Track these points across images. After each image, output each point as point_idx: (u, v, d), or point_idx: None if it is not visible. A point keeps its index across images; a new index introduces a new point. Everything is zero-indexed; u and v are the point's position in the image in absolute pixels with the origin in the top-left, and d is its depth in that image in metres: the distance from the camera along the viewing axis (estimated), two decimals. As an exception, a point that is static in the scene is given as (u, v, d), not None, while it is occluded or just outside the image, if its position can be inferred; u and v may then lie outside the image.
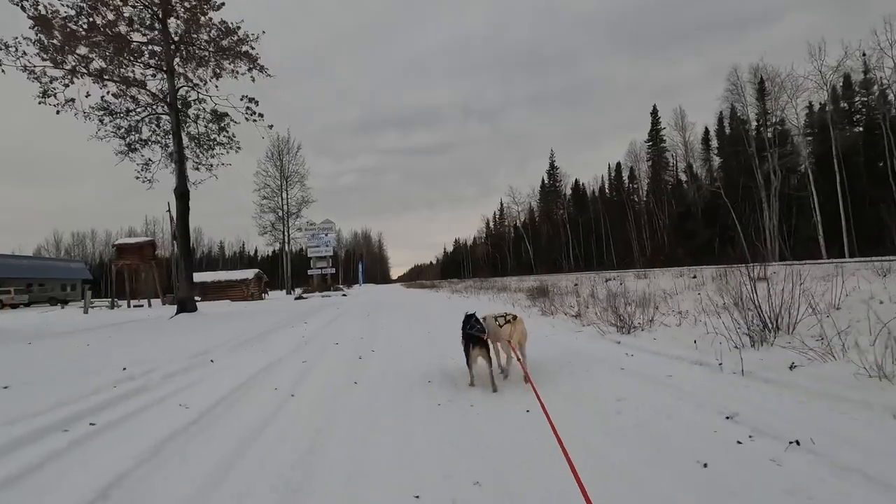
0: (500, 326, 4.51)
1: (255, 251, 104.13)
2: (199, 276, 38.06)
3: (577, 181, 66.71)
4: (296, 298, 31.14)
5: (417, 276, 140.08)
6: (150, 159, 15.37)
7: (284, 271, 47.60)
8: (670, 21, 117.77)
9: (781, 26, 67.65)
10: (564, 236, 64.25)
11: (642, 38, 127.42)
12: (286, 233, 46.16)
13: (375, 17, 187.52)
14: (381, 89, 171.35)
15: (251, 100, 16.77)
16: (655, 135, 48.43)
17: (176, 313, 13.88)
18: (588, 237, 60.97)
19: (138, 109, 14.74)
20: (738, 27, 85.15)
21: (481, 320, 4.40)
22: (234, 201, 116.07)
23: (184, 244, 14.22)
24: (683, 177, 44.66)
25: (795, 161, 31.76)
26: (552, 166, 69.23)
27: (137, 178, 15.39)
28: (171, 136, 14.77)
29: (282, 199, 46.82)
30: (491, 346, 4.46)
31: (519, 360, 4.33)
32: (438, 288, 42.96)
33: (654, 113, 48.66)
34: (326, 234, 33.37)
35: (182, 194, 14.27)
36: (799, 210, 31.41)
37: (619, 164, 58.86)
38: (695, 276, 13.13)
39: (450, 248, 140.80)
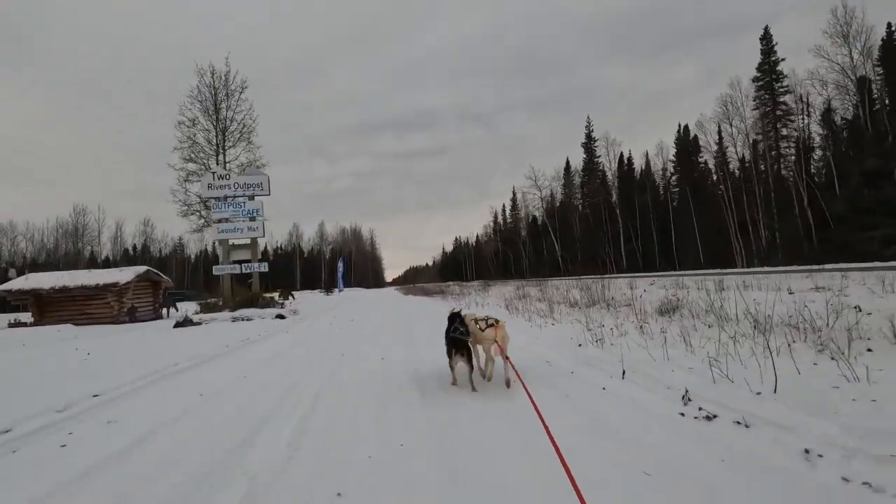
0: (482, 330, 4.51)
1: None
2: (32, 281, 20.95)
3: (622, 155, 50.22)
4: (176, 325, 14.37)
5: (414, 279, 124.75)
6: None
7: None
8: (667, 25, 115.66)
9: (777, 28, 61.97)
10: (611, 226, 47.77)
11: (638, 42, 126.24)
12: (222, 213, 29.11)
13: (374, 21, 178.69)
14: (378, 92, 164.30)
15: None
16: (771, 69, 32.09)
17: None
18: (646, 226, 44.56)
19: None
20: (735, 30, 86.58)
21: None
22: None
23: None
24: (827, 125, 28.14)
25: None
26: (588, 137, 52.74)
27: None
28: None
29: (217, 162, 29.76)
30: (473, 350, 4.57)
31: (507, 358, 4.28)
32: (450, 294, 26.28)
33: (766, 37, 32.35)
34: (253, 197, 16.53)
35: None
36: None
37: (686, 127, 42.72)
38: None
39: (449, 248, 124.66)
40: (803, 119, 30.55)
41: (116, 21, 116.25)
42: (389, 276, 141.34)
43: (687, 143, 41.85)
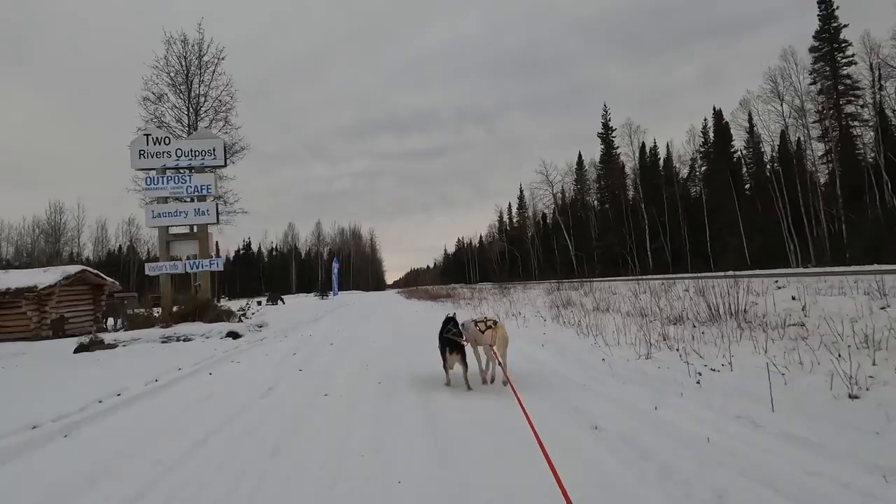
0: (482, 332, 4.33)
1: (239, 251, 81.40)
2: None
3: (644, 145, 45.50)
4: (79, 348, 9.85)
5: (415, 281, 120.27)
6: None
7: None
8: (664, 26, 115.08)
9: (773, 31, 67.02)
10: (634, 222, 43.08)
11: (636, 42, 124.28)
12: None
13: (371, 21, 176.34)
14: (376, 93, 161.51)
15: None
16: (832, 37, 27.49)
17: None
18: (673, 221, 39.90)
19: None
20: (732, 31, 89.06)
21: (461, 325, 4.48)
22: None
23: None
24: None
25: None
26: (606, 127, 48.12)
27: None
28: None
29: (189, 146, 25.06)
30: (472, 350, 4.63)
31: (500, 364, 4.22)
32: (461, 298, 21.53)
33: (825, 0, 27.75)
34: (203, 169, 11.82)
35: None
36: None
37: (720, 112, 38.10)
38: None
39: (450, 249, 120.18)
40: (875, 93, 25.89)
41: (116, 22, 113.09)
42: (390, 278, 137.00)
43: (722, 129, 37.25)
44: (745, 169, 36.49)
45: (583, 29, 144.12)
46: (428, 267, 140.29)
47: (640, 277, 20.86)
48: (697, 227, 37.61)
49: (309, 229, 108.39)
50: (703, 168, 39.88)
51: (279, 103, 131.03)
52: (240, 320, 11.76)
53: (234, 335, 10.48)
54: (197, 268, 12.06)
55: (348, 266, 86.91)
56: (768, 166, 30.80)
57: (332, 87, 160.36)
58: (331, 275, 48.43)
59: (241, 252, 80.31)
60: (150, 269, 12.03)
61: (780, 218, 29.44)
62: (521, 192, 72.85)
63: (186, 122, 25.07)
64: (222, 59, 25.73)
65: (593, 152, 55.70)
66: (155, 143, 12.03)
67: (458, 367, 4.39)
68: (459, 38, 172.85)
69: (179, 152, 12.16)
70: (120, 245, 70.35)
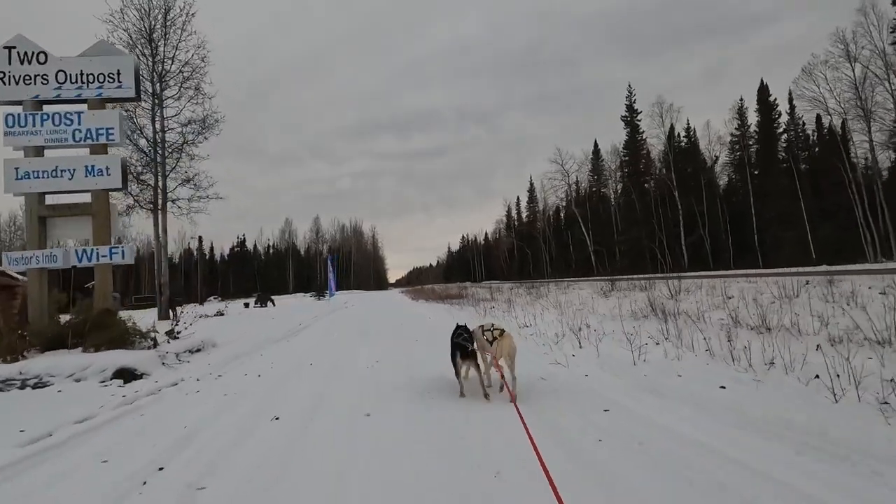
0: (490, 342, 4.04)
1: (211, 250, 76.91)
2: None
3: (672, 129, 40.53)
4: None
5: (417, 279, 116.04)
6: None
7: (157, 267, 22.04)
8: (665, 25, 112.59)
9: (773, 31, 64.15)
10: (664, 213, 38.40)
11: (637, 41, 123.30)
12: (160, 191, 20.42)
13: (372, 21, 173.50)
14: (377, 93, 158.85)
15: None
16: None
17: None
18: (713, 211, 35.24)
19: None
20: (732, 30, 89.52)
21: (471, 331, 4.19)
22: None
23: None
24: None
25: None
26: (631, 109, 43.30)
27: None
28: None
29: (153, 119, 20.80)
30: (480, 357, 4.20)
31: (502, 376, 3.94)
32: (481, 300, 16.90)
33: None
34: (102, 103, 7.46)
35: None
36: None
37: (766, 87, 33.35)
38: None
39: (454, 248, 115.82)
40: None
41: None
42: (392, 276, 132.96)
43: (769, 108, 32.58)
44: (795, 150, 31.84)
45: (583, 29, 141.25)
46: (430, 265, 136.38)
47: (750, 272, 16.23)
48: (740, 218, 32.96)
49: (307, 226, 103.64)
50: (739, 152, 35.18)
51: (279, 104, 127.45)
52: (154, 343, 7.16)
53: (127, 375, 5.91)
54: (90, 259, 7.49)
55: (349, 264, 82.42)
56: (837, 140, 26.07)
57: (332, 88, 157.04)
58: (327, 274, 43.97)
59: (236, 249, 75.88)
60: (9, 261, 7.47)
61: (852, 204, 24.78)
62: (532, 184, 68.32)
63: (150, 89, 20.67)
64: (192, 14, 21.13)
65: (600, 149, 51.56)
66: (23, 62, 7.44)
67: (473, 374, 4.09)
68: (460, 38, 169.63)
69: (63, 76, 7.56)
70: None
